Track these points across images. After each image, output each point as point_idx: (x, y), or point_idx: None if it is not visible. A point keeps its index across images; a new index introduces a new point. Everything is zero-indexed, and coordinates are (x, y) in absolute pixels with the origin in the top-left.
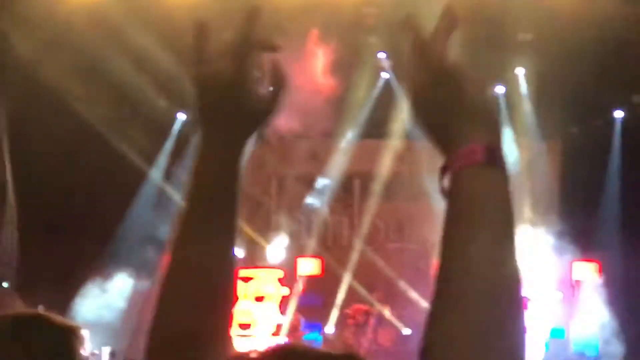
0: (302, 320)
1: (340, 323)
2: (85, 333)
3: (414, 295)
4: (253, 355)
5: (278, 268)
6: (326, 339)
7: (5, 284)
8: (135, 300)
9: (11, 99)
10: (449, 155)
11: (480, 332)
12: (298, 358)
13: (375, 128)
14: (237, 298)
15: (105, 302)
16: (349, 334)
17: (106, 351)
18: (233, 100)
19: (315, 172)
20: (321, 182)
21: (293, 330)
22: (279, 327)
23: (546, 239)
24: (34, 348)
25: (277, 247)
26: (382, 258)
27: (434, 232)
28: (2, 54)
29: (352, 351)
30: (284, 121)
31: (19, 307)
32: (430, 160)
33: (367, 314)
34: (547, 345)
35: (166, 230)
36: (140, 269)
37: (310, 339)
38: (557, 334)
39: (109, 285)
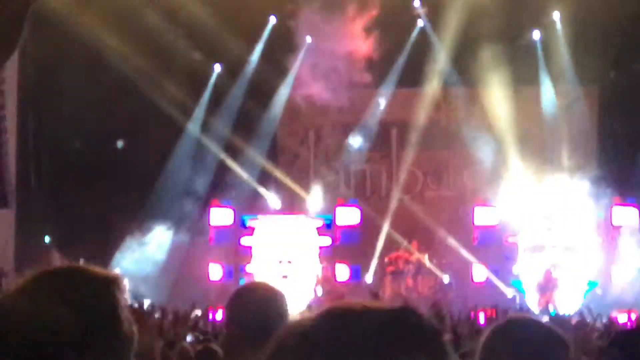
0: (348, 268)
1: (379, 271)
2: (126, 282)
3: (452, 242)
4: (306, 321)
5: (319, 217)
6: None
7: (46, 239)
8: (175, 253)
9: (46, 52)
10: None
11: None
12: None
13: (412, 76)
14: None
15: (144, 255)
16: (388, 281)
17: (146, 303)
18: None
19: (352, 121)
20: (357, 137)
21: (326, 280)
22: (317, 276)
23: (584, 184)
24: (77, 301)
25: (315, 197)
26: (421, 206)
27: (472, 179)
28: (37, 6)
29: (406, 304)
30: (320, 88)
31: (60, 261)
32: (466, 107)
33: (406, 262)
34: (584, 296)
35: (204, 183)
36: (179, 222)
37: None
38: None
39: (148, 238)
